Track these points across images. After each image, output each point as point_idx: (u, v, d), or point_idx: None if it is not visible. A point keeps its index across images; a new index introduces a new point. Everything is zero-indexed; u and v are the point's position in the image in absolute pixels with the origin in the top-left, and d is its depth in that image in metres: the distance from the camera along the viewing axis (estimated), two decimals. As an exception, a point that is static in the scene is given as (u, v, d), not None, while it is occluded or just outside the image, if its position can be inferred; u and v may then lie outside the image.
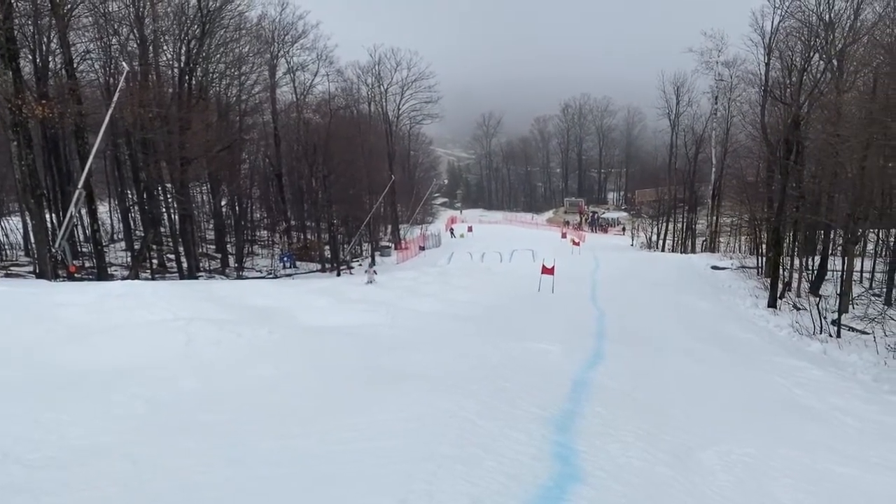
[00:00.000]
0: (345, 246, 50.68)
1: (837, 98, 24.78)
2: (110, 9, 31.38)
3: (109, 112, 24.43)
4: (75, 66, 29.01)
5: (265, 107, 49.38)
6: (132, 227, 38.82)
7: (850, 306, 22.12)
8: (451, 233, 69.23)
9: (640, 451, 6.14)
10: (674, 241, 60.55)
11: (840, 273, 23.19)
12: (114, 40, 32.85)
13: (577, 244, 49.99)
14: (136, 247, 35.75)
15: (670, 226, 61.84)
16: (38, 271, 25.60)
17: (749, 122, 37.30)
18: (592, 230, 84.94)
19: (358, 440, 5.61)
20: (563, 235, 61.93)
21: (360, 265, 49.64)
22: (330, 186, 46.60)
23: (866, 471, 6.68)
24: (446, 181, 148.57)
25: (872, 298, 23.05)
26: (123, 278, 27.20)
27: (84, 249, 34.57)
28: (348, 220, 51.56)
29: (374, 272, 31.22)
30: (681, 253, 53.93)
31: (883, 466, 6.96)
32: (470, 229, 69.89)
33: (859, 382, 13.99)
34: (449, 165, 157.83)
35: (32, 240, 27.78)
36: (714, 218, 53.06)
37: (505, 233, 68.32)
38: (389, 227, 67.06)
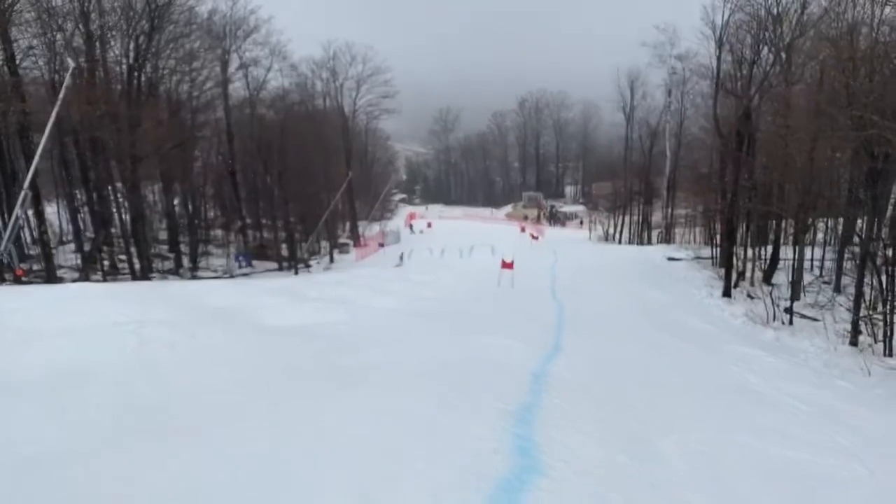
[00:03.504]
0: (302, 244, 50.20)
1: (786, 90, 25.41)
2: (54, 3, 30.48)
3: (55, 110, 23.76)
4: (18, 62, 28.10)
5: (217, 103, 48.66)
6: (82, 228, 37.89)
7: (802, 294, 22.70)
8: (411, 229, 69.12)
9: (599, 441, 6.18)
10: (630, 233, 61.50)
11: (792, 262, 23.77)
12: (58, 36, 31.95)
13: (536, 238, 50.50)
14: (86, 248, 34.87)
15: (627, 218, 62.73)
16: (-18, 275, 24.83)
17: (702, 114, 38.18)
18: (551, 224, 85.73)
19: (317, 439, 5.54)
20: (522, 230, 62.34)
21: (319, 263, 49.29)
22: (286, 183, 46.14)
23: (817, 454, 6.84)
24: (405, 177, 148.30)
25: (822, 286, 23.69)
26: (73, 281, 26.50)
27: (31, 252, 33.67)
28: (305, 217, 51.05)
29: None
30: (637, 245, 54.77)
31: (833, 450, 7.13)
32: (429, 225, 69.85)
33: (811, 368, 14.37)
34: (407, 161, 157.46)
35: (-24, 243, 26.87)
36: (669, 210, 54.03)
37: (464, 228, 68.34)
38: (348, 224, 66.58)
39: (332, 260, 50.58)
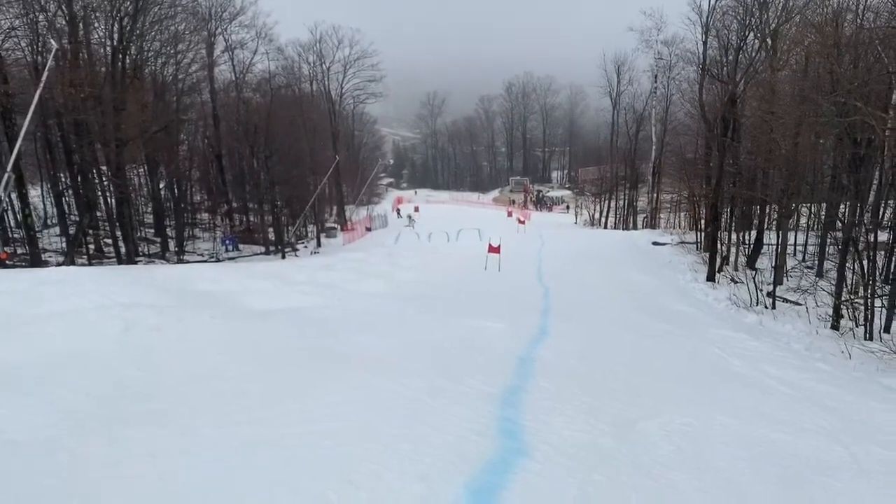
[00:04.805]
0: (289, 228, 50.01)
1: (771, 76, 25.52)
2: (36, -17, 29.98)
3: (38, 92, 23.41)
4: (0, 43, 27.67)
5: (203, 86, 48.12)
6: (66, 211, 37.50)
7: (785, 279, 22.92)
8: (398, 213, 68.93)
9: (584, 424, 6.26)
10: (616, 218, 61.70)
11: (775, 247, 23.96)
12: (41, 17, 31.38)
13: (523, 223, 50.46)
14: (71, 232, 34.55)
15: (612, 203, 62.93)
16: (-35, 259, 24.56)
17: (688, 100, 38.14)
18: (537, 209, 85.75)
19: (304, 423, 5.57)
20: (509, 214, 62.37)
21: (306, 247, 49.14)
22: (272, 167, 45.82)
23: (798, 436, 6.95)
24: (392, 161, 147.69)
25: (805, 271, 23.94)
26: (58, 265, 26.28)
27: (15, 235, 33.31)
28: (292, 201, 50.80)
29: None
30: (623, 230, 54.94)
31: (813, 431, 7.25)
32: (417, 209, 69.72)
33: (793, 352, 14.52)
34: (394, 145, 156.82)
35: (-41, 227, 26.59)
36: (654, 195, 54.21)
37: (452, 212, 68.26)
38: (335, 208, 66.29)
39: (319, 244, 50.40)
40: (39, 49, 32.01)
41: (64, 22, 32.51)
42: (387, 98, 78.44)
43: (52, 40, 27.12)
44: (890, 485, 5.88)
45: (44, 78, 23.97)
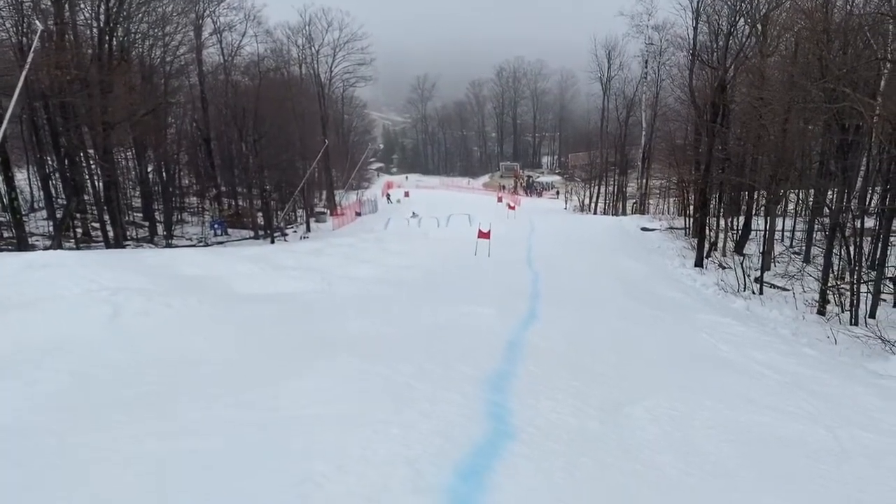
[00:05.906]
0: (278, 212, 49.79)
1: (761, 62, 25.50)
2: (20, -37, 29.51)
3: (23, 74, 23.08)
4: (-17, 24, 27.29)
5: (191, 69, 47.67)
6: (53, 195, 37.13)
7: (772, 264, 23.06)
8: (388, 198, 68.70)
9: (572, 408, 6.30)
10: (605, 203, 61.76)
11: (763, 232, 24.08)
12: (26, -3, 30.97)
13: (513, 208, 50.41)
14: (58, 216, 34.25)
15: (602, 189, 62.98)
16: (-49, 243, 24.31)
17: (678, 85, 38.17)
18: (528, 194, 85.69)
19: (292, 408, 5.57)
20: (499, 200, 62.30)
21: (295, 231, 48.97)
22: (261, 151, 45.51)
23: (783, 420, 7.02)
24: (382, 146, 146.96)
25: (792, 256, 24.09)
26: (45, 249, 26.08)
27: (2, 219, 33.01)
28: (281, 185, 50.53)
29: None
30: (612, 215, 55.04)
31: (798, 415, 7.33)
32: (407, 194, 69.49)
33: (779, 337, 14.66)
34: (384, 129, 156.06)
35: (-56, 210, 26.29)
36: (644, 180, 54.33)
37: (442, 198, 68.04)
38: (324, 192, 66.01)
39: (308, 229, 50.19)
40: (24, 30, 31.50)
41: (49, 3, 32.07)
42: (376, 82, 78.11)
43: (37, 21, 26.77)
44: (873, 467, 5.97)
45: (29, 59, 23.63)
